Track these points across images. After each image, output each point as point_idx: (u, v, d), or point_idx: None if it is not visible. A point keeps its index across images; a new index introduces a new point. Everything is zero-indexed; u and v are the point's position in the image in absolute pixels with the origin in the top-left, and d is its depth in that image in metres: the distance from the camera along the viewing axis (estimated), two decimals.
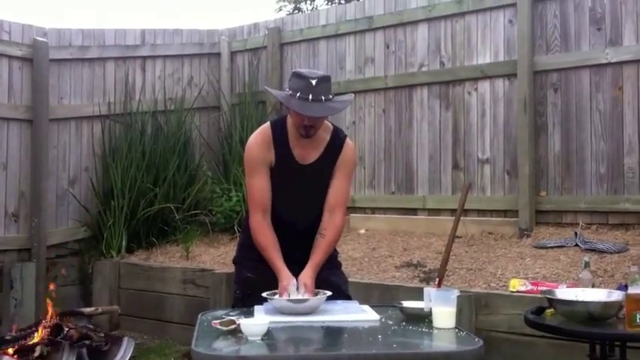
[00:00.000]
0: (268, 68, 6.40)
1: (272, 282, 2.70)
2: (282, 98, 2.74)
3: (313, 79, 2.67)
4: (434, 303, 2.41)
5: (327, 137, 2.87)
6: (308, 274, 2.74)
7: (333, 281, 2.82)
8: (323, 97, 2.67)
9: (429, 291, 2.48)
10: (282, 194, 2.86)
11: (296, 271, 2.74)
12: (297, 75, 2.73)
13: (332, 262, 2.92)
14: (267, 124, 2.90)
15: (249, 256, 2.89)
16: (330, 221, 2.85)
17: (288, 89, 2.73)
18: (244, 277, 2.93)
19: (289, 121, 2.82)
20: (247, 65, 6.62)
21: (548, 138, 4.84)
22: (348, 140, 2.92)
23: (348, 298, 2.90)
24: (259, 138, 2.87)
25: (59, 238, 5.80)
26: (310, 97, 2.65)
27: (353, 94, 2.95)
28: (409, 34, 5.58)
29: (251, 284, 2.85)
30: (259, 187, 2.85)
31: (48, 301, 4.71)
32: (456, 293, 2.43)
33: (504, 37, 5.07)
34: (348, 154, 2.89)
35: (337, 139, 2.88)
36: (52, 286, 4.88)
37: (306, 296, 2.65)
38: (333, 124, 2.93)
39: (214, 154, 6.61)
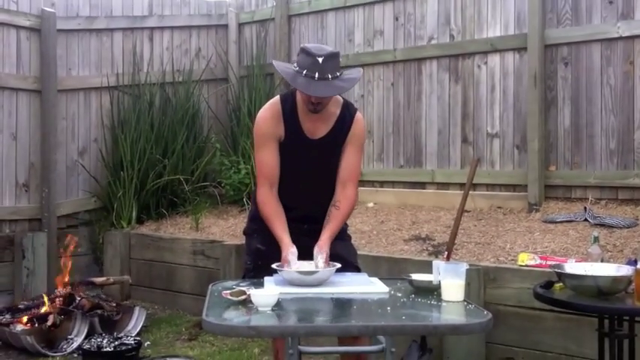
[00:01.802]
0: (276, 40, 6.37)
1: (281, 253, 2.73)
2: (288, 76, 2.71)
3: (320, 56, 2.64)
4: (443, 275, 2.43)
5: (337, 111, 2.86)
6: (325, 242, 2.75)
7: (342, 253, 2.84)
8: (330, 76, 2.65)
9: (438, 264, 2.50)
10: (292, 168, 2.87)
11: (306, 243, 2.76)
12: (304, 51, 2.70)
13: (341, 235, 2.93)
14: (277, 98, 2.90)
15: (260, 227, 2.91)
16: (343, 194, 2.87)
17: (295, 65, 2.71)
18: (255, 248, 2.95)
19: (299, 95, 2.81)
20: (255, 37, 6.59)
21: (558, 112, 4.81)
22: (358, 114, 2.91)
23: (356, 269, 2.92)
24: (268, 112, 2.86)
25: (69, 208, 5.85)
26: (316, 75, 2.63)
27: (361, 70, 2.92)
28: (418, 7, 5.52)
29: (261, 255, 2.87)
30: (267, 160, 2.86)
31: (63, 269, 4.76)
32: (465, 266, 2.45)
33: (515, 10, 5.01)
34: (358, 128, 2.89)
35: (347, 113, 2.88)
36: (63, 258, 4.93)
37: (321, 263, 2.67)
38: (343, 98, 2.93)
39: (222, 127, 6.62)
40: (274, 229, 2.80)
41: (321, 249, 2.72)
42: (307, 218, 2.88)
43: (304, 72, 2.65)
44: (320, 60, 2.63)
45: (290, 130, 2.83)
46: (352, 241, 3.15)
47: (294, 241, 2.75)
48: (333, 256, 2.76)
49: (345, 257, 2.85)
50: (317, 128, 2.84)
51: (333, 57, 2.69)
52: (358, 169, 2.96)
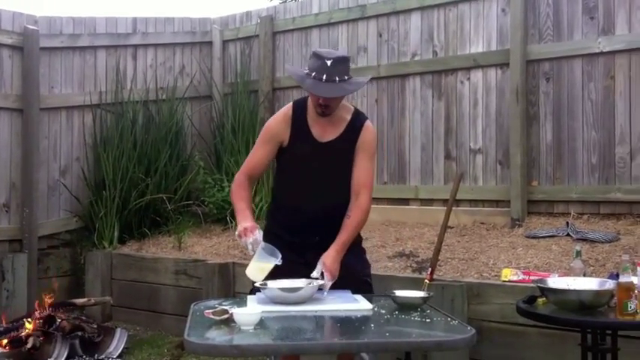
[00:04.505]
0: (260, 57, 6.38)
1: (291, 269, 2.69)
2: (297, 77, 2.82)
3: (329, 59, 2.73)
4: (258, 257, 2.61)
5: (348, 117, 2.93)
6: (330, 254, 2.76)
7: (352, 267, 2.83)
8: (337, 78, 2.73)
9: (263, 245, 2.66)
10: (301, 172, 2.90)
11: (310, 258, 2.75)
12: (315, 55, 2.80)
13: (354, 248, 2.92)
14: (291, 103, 3.00)
15: (269, 241, 2.86)
16: (356, 203, 2.88)
17: (306, 68, 2.81)
18: None
19: (309, 99, 2.90)
20: (239, 54, 6.59)
21: (540, 128, 4.84)
22: (368, 122, 2.97)
23: (366, 284, 2.90)
24: (280, 115, 2.98)
25: (51, 228, 5.78)
26: (324, 77, 2.71)
27: (369, 77, 3.08)
28: (402, 23, 5.56)
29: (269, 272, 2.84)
30: (258, 156, 2.96)
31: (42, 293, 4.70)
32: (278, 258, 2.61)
33: (497, 26, 5.06)
34: (368, 135, 2.93)
35: (357, 120, 2.94)
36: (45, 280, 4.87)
37: (325, 277, 2.67)
38: (354, 107, 2.99)
39: (206, 144, 6.59)
40: (236, 207, 2.86)
41: (325, 263, 2.71)
42: (318, 229, 2.86)
43: (313, 74, 2.74)
44: (328, 63, 2.73)
45: (297, 131, 2.88)
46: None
47: (306, 254, 2.77)
48: (342, 269, 2.75)
49: (356, 272, 2.84)
50: (326, 132, 2.89)
51: (342, 61, 2.78)
52: (371, 177, 2.98)
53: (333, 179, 2.90)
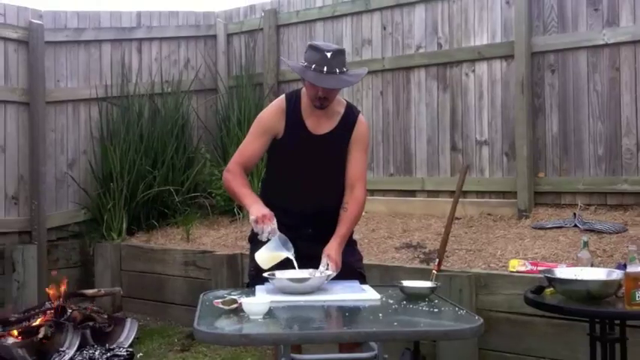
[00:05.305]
0: (265, 50, 6.38)
1: (286, 260, 2.70)
2: (297, 70, 2.81)
3: (328, 51, 2.74)
4: (272, 246, 2.63)
5: (342, 111, 2.94)
6: (333, 246, 2.77)
7: (347, 260, 2.84)
8: (337, 70, 2.74)
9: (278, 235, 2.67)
10: (295, 165, 2.90)
11: (311, 250, 2.75)
12: (313, 47, 2.80)
13: (347, 240, 2.92)
14: (283, 95, 2.99)
15: None
16: (351, 196, 2.91)
17: (303, 61, 2.80)
18: None
19: (303, 92, 2.90)
20: (244, 47, 6.60)
21: (545, 119, 4.85)
22: (361, 116, 2.98)
23: (361, 276, 2.91)
24: (273, 107, 2.96)
25: (59, 220, 5.82)
26: (325, 69, 2.72)
27: (366, 68, 3.02)
28: (406, 16, 5.56)
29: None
30: (252, 149, 2.93)
31: (52, 284, 4.73)
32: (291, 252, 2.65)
33: (501, 18, 5.06)
34: (362, 129, 2.95)
35: (351, 114, 2.95)
36: (54, 272, 4.90)
37: (330, 268, 2.68)
38: (346, 100, 3.00)
39: (212, 137, 6.61)
40: (242, 196, 2.83)
41: (330, 256, 2.72)
42: (312, 221, 2.88)
43: (313, 66, 2.74)
44: (328, 55, 2.73)
45: (291, 125, 2.88)
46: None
47: (299, 247, 2.72)
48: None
49: (350, 264, 2.86)
50: (320, 124, 2.90)
51: (340, 53, 2.79)
52: (364, 170, 3.00)
53: (326, 172, 2.91)
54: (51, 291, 4.61)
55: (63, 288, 4.59)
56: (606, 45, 4.57)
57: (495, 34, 5.09)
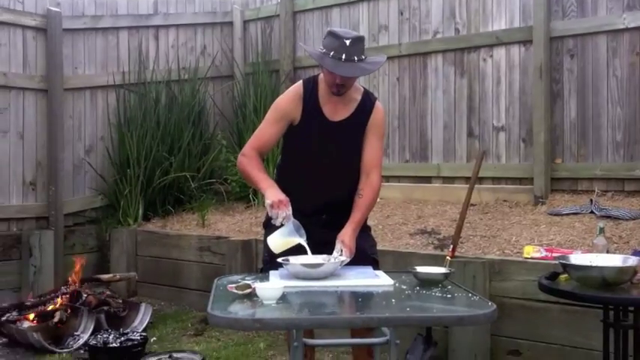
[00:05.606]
0: (281, 37, 6.37)
1: (299, 246, 2.70)
2: (315, 57, 2.78)
3: (347, 39, 2.71)
4: (286, 232, 2.63)
5: (359, 97, 2.92)
6: (347, 232, 2.77)
7: (361, 245, 2.83)
8: (355, 58, 2.72)
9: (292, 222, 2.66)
10: (311, 151, 2.88)
11: (326, 236, 2.75)
12: (331, 34, 2.77)
13: (361, 226, 2.91)
14: (300, 81, 2.97)
15: None
16: (367, 182, 2.90)
17: (322, 48, 2.77)
18: None
19: (321, 79, 2.88)
20: (260, 34, 6.59)
21: (564, 105, 4.79)
22: (378, 103, 2.96)
23: (374, 262, 2.90)
24: (291, 93, 2.94)
25: (76, 206, 5.87)
26: (343, 56, 2.69)
27: (385, 56, 2.97)
28: (423, 1, 5.51)
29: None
30: (269, 134, 2.91)
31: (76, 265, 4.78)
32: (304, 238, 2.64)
33: (520, 3, 5.00)
34: (378, 116, 2.93)
35: (368, 100, 2.93)
36: (74, 258, 4.96)
37: (343, 254, 2.68)
38: (363, 87, 2.97)
39: (228, 123, 6.63)
40: (258, 180, 2.82)
41: (344, 242, 2.72)
42: (326, 207, 2.88)
43: (331, 53, 2.71)
44: (347, 42, 2.70)
45: (308, 110, 2.86)
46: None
47: (313, 233, 2.71)
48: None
49: (364, 250, 2.85)
50: (337, 111, 2.88)
51: (359, 40, 2.76)
52: (380, 157, 2.99)
53: (342, 158, 2.89)
54: (73, 276, 4.67)
55: (78, 268, 4.65)
56: (626, 29, 4.50)
57: (514, 19, 5.04)
